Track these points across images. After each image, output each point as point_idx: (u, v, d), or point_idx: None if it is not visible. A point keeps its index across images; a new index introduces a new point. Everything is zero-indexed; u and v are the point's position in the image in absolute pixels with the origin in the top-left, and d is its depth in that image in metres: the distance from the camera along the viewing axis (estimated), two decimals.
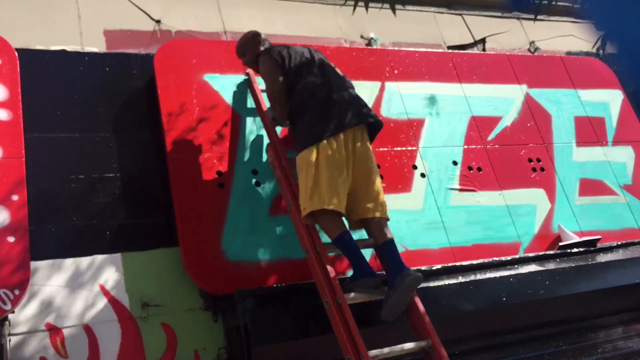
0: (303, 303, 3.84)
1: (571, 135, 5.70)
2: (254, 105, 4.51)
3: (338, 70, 4.08)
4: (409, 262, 4.38)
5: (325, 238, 3.74)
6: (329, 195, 3.54)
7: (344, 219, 3.75)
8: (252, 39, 4.23)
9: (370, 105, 4.92)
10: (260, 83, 4.41)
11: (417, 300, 3.64)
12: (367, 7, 4.01)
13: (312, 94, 3.82)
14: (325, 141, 3.65)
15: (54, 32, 4.43)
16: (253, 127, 4.47)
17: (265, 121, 4.27)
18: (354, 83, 4.95)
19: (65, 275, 3.73)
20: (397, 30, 5.81)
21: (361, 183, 3.72)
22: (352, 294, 3.58)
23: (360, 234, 3.97)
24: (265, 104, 4.35)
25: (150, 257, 3.96)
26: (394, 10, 4.06)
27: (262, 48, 4.17)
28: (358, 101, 3.93)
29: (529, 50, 6.45)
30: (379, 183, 3.81)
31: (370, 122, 3.87)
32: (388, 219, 3.81)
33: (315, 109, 3.76)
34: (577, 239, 4.93)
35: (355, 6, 4.02)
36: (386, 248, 3.72)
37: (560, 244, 4.90)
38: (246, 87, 4.58)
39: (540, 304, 4.49)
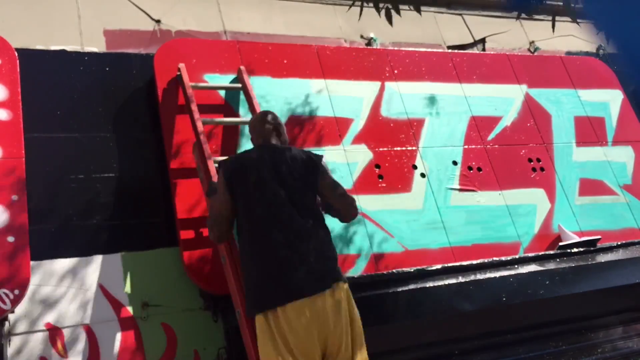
0: None
1: (571, 135, 5.70)
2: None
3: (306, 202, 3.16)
4: (408, 262, 4.40)
5: None
6: None
7: None
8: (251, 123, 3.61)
9: (370, 105, 4.96)
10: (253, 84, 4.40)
11: None
12: (377, 10, 3.90)
13: (264, 238, 3.04)
14: (279, 308, 2.91)
15: (53, 32, 4.43)
16: None
17: (194, 119, 4.04)
18: (354, 83, 5.00)
19: (65, 275, 3.73)
20: (396, 30, 5.80)
21: (333, 349, 2.96)
22: None
23: None
24: (194, 102, 4.17)
25: (150, 257, 3.96)
26: (390, 21, 4.01)
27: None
28: (323, 253, 3.07)
29: (528, 50, 6.45)
30: (354, 342, 3.04)
31: (335, 281, 3.03)
32: None
33: (267, 262, 3.01)
34: (577, 239, 4.93)
35: (361, 11, 3.95)
36: None
37: (560, 244, 4.90)
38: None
39: (540, 304, 4.49)
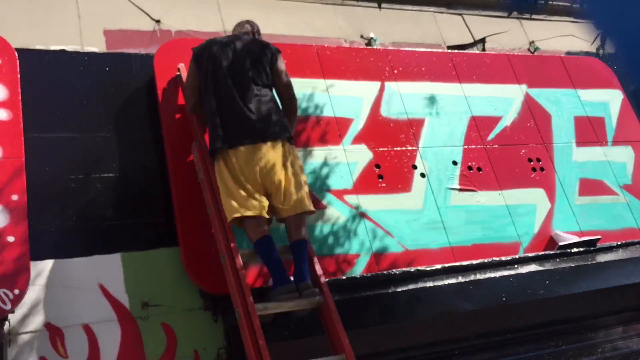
0: None
1: (571, 135, 5.70)
2: None
3: (265, 73, 3.92)
4: (408, 262, 4.40)
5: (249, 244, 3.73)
6: (240, 203, 3.58)
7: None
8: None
9: (370, 105, 4.97)
10: None
11: (334, 312, 3.48)
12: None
13: (219, 100, 3.79)
14: (230, 150, 3.66)
15: (53, 32, 4.43)
16: None
17: (191, 119, 4.13)
18: (354, 83, 5.00)
19: (65, 275, 3.72)
20: (396, 30, 5.81)
21: (273, 187, 3.69)
22: (263, 305, 3.43)
23: None
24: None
25: (150, 257, 3.96)
26: (379, 3, 4.07)
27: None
28: (268, 118, 3.77)
29: (528, 50, 6.45)
30: (293, 182, 3.71)
31: (275, 138, 3.74)
32: (308, 213, 3.74)
33: (220, 118, 3.75)
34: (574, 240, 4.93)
35: None
36: (293, 249, 3.66)
37: (560, 243, 4.90)
38: None
39: (540, 303, 4.49)
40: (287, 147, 3.77)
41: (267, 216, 3.64)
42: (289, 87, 4.00)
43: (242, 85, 3.80)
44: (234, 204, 3.58)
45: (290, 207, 3.68)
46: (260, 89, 3.84)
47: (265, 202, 3.66)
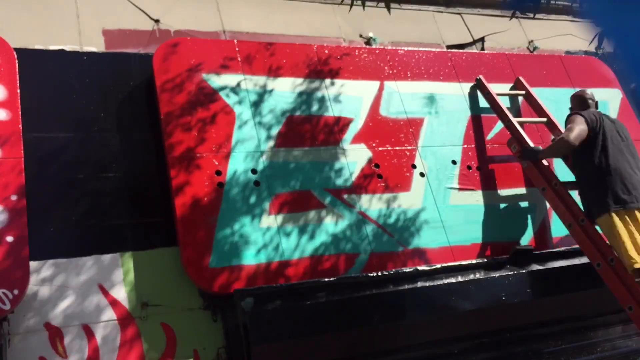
0: (302, 302, 3.85)
1: None
2: (252, 104, 4.52)
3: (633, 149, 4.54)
4: (408, 261, 4.40)
5: None
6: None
7: None
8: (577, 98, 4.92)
9: (369, 104, 4.97)
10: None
11: None
12: (364, 5, 3.98)
13: (608, 164, 4.33)
14: (621, 210, 4.18)
15: (52, 32, 4.43)
16: (251, 125, 4.47)
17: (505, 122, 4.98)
18: (353, 82, 5.00)
19: (65, 275, 3.72)
20: (396, 29, 5.81)
21: None
22: None
23: None
24: (502, 105, 5.12)
25: (150, 257, 3.96)
26: (389, 8, 4.08)
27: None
28: None
29: (527, 49, 6.45)
30: None
31: None
32: None
33: (610, 179, 4.28)
34: None
35: (351, 5, 3.98)
36: None
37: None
38: (246, 86, 4.58)
39: (540, 302, 4.50)
40: None
41: None
42: None
43: (631, 162, 4.42)
44: (635, 255, 4.06)
45: None
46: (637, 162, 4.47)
47: None
